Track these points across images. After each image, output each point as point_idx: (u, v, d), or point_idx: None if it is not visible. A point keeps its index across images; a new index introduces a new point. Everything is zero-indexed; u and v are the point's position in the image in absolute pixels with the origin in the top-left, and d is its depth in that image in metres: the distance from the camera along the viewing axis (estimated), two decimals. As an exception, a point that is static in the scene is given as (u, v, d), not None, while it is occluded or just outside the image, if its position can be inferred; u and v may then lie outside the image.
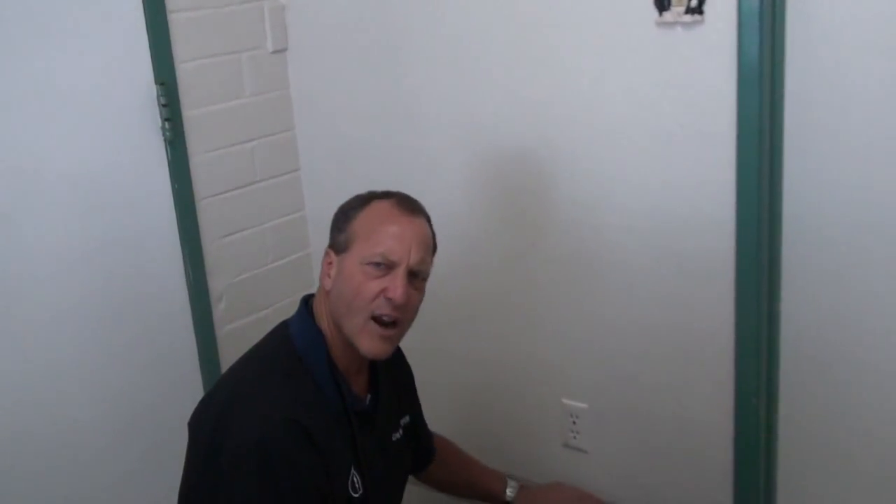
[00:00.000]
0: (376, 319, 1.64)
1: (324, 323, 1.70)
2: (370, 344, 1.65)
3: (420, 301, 1.71)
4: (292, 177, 2.69)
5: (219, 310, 2.51)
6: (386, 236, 1.64)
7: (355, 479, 1.69)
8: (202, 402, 1.71)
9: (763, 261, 2.03)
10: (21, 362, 2.12)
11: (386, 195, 1.73)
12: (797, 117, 1.98)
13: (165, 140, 2.32)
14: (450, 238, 2.45)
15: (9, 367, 2.10)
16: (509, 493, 2.15)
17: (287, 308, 2.64)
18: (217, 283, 2.50)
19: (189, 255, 2.41)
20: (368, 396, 1.77)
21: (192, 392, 2.43)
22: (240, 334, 2.54)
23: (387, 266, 1.63)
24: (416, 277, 1.67)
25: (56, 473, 2.20)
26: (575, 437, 2.43)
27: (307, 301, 1.76)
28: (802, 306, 2.08)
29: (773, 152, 1.99)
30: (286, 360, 1.68)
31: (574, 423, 2.42)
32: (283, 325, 1.76)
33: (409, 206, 1.71)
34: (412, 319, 1.71)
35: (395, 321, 1.65)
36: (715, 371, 2.15)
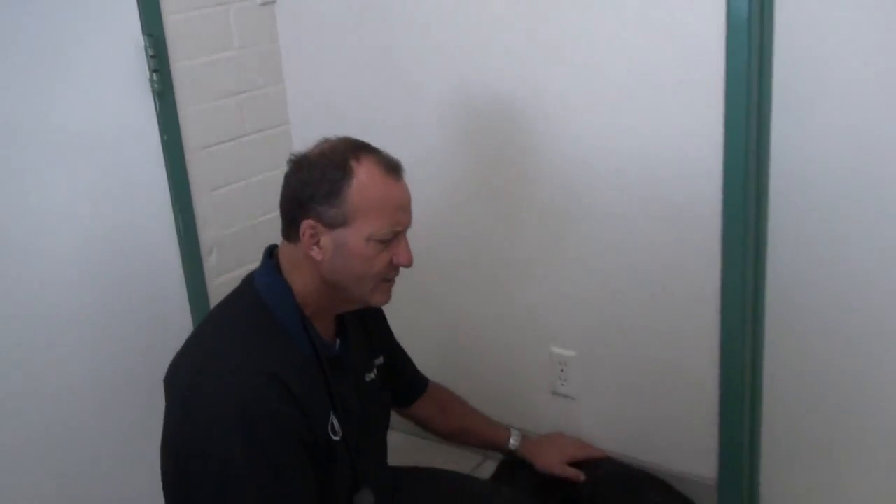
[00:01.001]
0: (385, 281, 1.73)
1: (297, 279, 1.72)
2: (382, 299, 1.75)
3: None
4: (282, 130, 2.70)
5: (210, 262, 2.53)
6: (392, 211, 1.67)
7: (334, 423, 1.73)
8: (175, 360, 1.73)
9: (749, 208, 2.06)
10: (10, 316, 2.13)
11: (357, 152, 1.69)
12: (786, 66, 2.00)
13: (154, 92, 2.32)
14: (437, 188, 2.49)
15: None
16: (513, 441, 2.23)
17: (277, 260, 2.66)
18: (208, 236, 2.52)
19: (180, 207, 2.42)
20: (338, 341, 1.81)
21: (182, 340, 2.46)
22: (231, 287, 2.55)
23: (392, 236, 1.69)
24: None
25: (50, 428, 2.23)
26: (563, 385, 2.47)
27: (271, 252, 1.79)
28: (788, 253, 2.11)
29: (760, 101, 2.02)
30: (257, 314, 1.70)
31: (562, 370, 2.46)
32: (249, 280, 1.78)
33: (394, 168, 1.70)
34: None
35: None
36: (701, 317, 2.20)
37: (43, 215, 2.16)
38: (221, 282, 2.55)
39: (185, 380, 1.66)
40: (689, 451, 2.32)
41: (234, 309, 1.76)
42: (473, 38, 2.31)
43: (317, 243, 1.68)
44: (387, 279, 1.72)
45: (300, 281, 1.71)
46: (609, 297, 2.33)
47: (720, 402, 2.24)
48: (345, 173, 1.65)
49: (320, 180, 1.66)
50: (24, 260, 2.15)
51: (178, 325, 2.48)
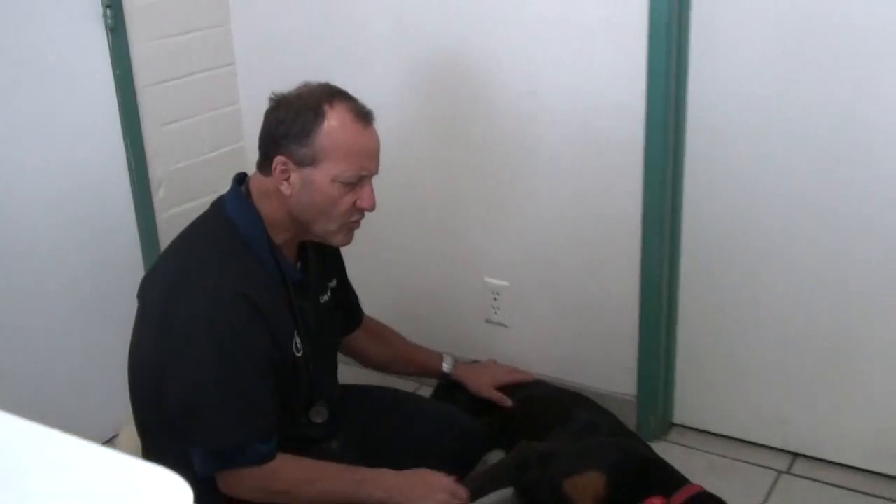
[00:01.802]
0: (350, 222, 1.85)
1: (266, 208, 1.84)
2: (344, 239, 1.89)
3: None
4: (228, 70, 2.79)
5: (159, 196, 2.62)
6: (358, 156, 1.79)
7: (297, 341, 1.88)
8: (149, 275, 1.88)
9: (669, 148, 2.25)
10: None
11: (331, 98, 1.80)
12: (704, 16, 2.17)
13: (107, 27, 2.40)
14: (380, 128, 2.61)
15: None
16: (446, 366, 2.36)
17: (224, 196, 2.76)
18: (157, 170, 2.61)
19: (131, 141, 2.51)
20: (298, 264, 1.95)
21: (133, 272, 2.55)
22: (179, 220, 2.64)
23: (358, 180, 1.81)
24: None
25: (8, 355, 2.31)
26: (496, 313, 2.64)
27: (241, 180, 1.90)
28: (702, 189, 2.31)
29: (680, 37, 2.19)
30: (228, 238, 1.83)
31: (495, 299, 2.63)
32: (220, 204, 1.90)
33: (364, 115, 1.82)
34: None
35: None
36: (624, 248, 2.38)
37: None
38: (170, 215, 2.65)
39: (159, 298, 1.79)
40: (612, 371, 2.52)
41: (205, 231, 1.88)
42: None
43: (287, 179, 1.80)
44: (350, 221, 1.84)
45: (269, 210, 1.84)
46: (539, 230, 2.50)
47: (639, 326, 2.44)
48: (317, 116, 1.77)
49: (294, 120, 1.78)
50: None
51: (129, 257, 2.58)
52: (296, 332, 1.88)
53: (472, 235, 2.61)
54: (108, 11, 2.38)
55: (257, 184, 1.87)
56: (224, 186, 2.76)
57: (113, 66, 2.44)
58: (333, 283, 2.11)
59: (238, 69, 2.81)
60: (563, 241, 2.48)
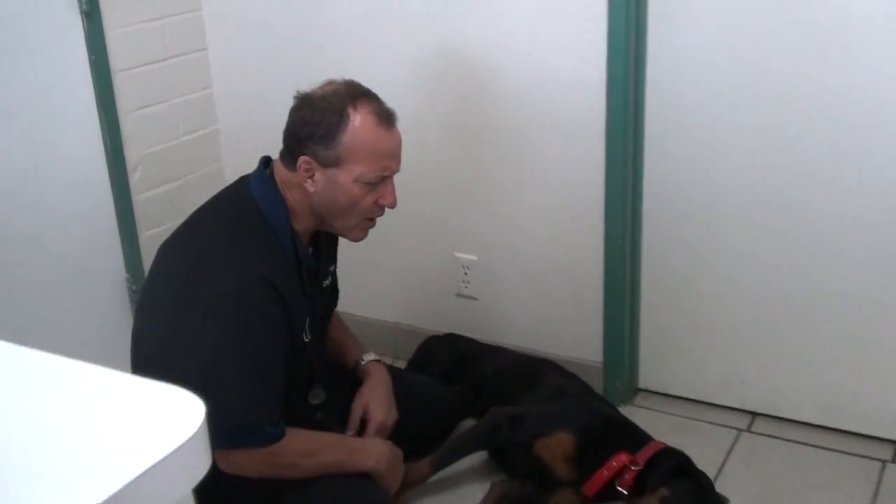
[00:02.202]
0: (368, 219, 1.93)
1: (291, 198, 1.90)
2: (360, 235, 1.97)
3: None
4: (201, 55, 2.85)
5: (135, 178, 2.68)
6: (380, 158, 1.87)
7: (307, 327, 1.95)
8: (172, 241, 1.93)
9: (629, 120, 2.35)
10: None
11: (355, 100, 1.86)
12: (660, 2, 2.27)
13: (82, 12, 2.45)
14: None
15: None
16: (364, 362, 2.26)
17: (199, 180, 2.83)
18: (133, 153, 2.66)
19: (107, 124, 2.56)
20: (311, 249, 2.01)
21: (111, 253, 2.63)
22: (155, 202, 2.72)
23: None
24: None
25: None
26: (466, 287, 2.73)
27: (267, 164, 1.95)
28: (662, 159, 2.41)
29: (638, 20, 2.29)
30: (254, 221, 1.89)
31: (465, 273, 2.72)
32: (244, 185, 1.95)
33: (388, 117, 1.89)
34: None
35: None
36: (588, 220, 2.48)
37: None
38: (146, 197, 2.71)
39: (183, 268, 1.85)
40: (579, 340, 2.61)
41: (230, 208, 1.94)
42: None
43: (311, 177, 1.87)
44: (369, 218, 1.92)
45: (291, 199, 1.91)
46: (506, 204, 2.59)
47: (604, 295, 2.54)
48: (341, 119, 1.84)
49: (319, 122, 1.85)
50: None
51: (107, 238, 2.64)
52: (308, 319, 1.94)
53: (441, 212, 2.69)
54: (83, -2, 2.43)
55: (281, 173, 1.92)
56: (198, 170, 2.86)
57: (88, 50, 2.49)
58: (333, 267, 2.17)
59: (210, 54, 2.87)
60: (529, 214, 2.57)
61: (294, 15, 2.69)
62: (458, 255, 2.71)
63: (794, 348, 2.43)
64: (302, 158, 1.86)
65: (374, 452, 2.02)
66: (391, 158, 1.90)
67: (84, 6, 2.44)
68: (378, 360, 2.27)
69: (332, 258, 2.17)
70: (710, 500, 2.15)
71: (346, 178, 1.85)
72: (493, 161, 2.56)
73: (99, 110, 2.55)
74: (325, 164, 1.85)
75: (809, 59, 2.17)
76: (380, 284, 2.83)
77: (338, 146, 1.84)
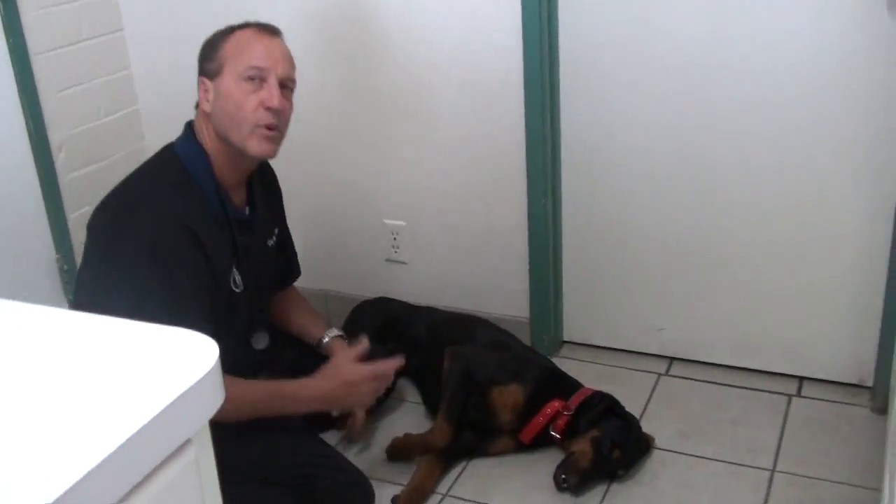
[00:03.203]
0: (261, 128, 1.93)
1: (206, 142, 1.97)
2: (258, 146, 1.94)
3: (291, 110, 2.01)
4: (118, 36, 2.85)
5: (60, 159, 2.68)
6: (254, 52, 1.94)
7: (236, 277, 2.01)
8: (98, 207, 1.96)
9: (545, 84, 2.46)
10: None
11: (246, 24, 1.99)
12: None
13: (-3, -4, 2.44)
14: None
15: None
16: (325, 338, 2.31)
17: (124, 159, 2.83)
18: (56, 135, 2.66)
19: (28, 107, 2.56)
20: (248, 209, 2.07)
21: (40, 236, 2.63)
22: (81, 183, 2.73)
23: (260, 79, 1.92)
24: (286, 89, 1.98)
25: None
26: (396, 252, 2.82)
27: (190, 125, 2.02)
28: (577, 118, 2.54)
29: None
30: (174, 172, 1.95)
31: (395, 239, 2.81)
32: (169, 146, 2.02)
33: (269, 29, 2.00)
34: (287, 125, 2.00)
35: (276, 126, 1.95)
36: (510, 182, 2.60)
37: None
38: (72, 178, 2.72)
39: (105, 225, 1.90)
40: (506, 297, 2.74)
41: (152, 167, 2.00)
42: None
43: (207, 98, 1.95)
44: (260, 125, 1.92)
45: (209, 142, 1.97)
46: (431, 170, 2.69)
47: (529, 253, 2.66)
48: (225, 34, 1.97)
49: (208, 43, 1.97)
50: None
51: (34, 220, 2.64)
52: (234, 268, 2.00)
53: (368, 181, 2.77)
54: (-1, -20, 2.42)
55: (196, 120, 2.00)
56: (122, 149, 2.88)
57: (6, 34, 2.48)
58: (278, 231, 2.24)
59: (126, 34, 2.88)
60: (453, 179, 2.67)
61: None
62: (386, 221, 2.80)
63: (707, 296, 2.60)
64: (199, 81, 1.97)
65: (315, 394, 2.07)
66: (269, 55, 1.95)
67: (0, -11, 2.43)
68: (341, 336, 2.33)
69: (275, 219, 2.24)
70: (637, 437, 2.31)
71: (229, 82, 1.92)
72: (415, 127, 2.65)
73: (20, 94, 2.55)
74: (212, 75, 1.95)
75: (710, 9, 2.31)
76: (311, 253, 2.89)
77: (219, 53, 1.95)
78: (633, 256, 2.63)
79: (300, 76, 2.47)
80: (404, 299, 2.78)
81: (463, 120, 2.58)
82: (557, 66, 2.49)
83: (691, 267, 2.58)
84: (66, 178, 2.70)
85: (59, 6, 2.64)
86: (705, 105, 2.40)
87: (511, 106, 2.49)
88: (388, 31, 2.57)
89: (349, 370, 2.10)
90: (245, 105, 1.91)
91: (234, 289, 2.00)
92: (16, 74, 2.53)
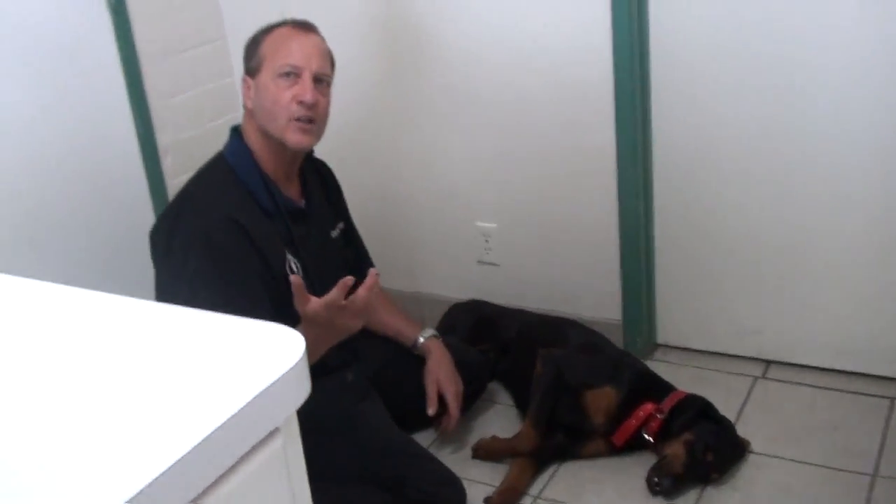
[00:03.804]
0: (296, 121, 2.03)
1: (251, 139, 2.09)
2: (295, 137, 2.04)
3: (328, 104, 2.09)
4: (220, 45, 2.96)
5: (167, 163, 2.80)
6: (289, 50, 2.04)
7: (293, 264, 2.09)
8: (158, 219, 2.12)
9: (636, 84, 2.45)
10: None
11: (283, 22, 2.10)
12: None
13: (110, 8, 2.56)
14: (363, 84, 2.79)
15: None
16: (421, 338, 2.39)
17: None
18: (164, 140, 2.78)
19: (137, 112, 2.68)
20: (303, 202, 2.16)
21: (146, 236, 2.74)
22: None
23: (295, 75, 2.02)
24: (321, 83, 2.07)
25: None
26: (488, 253, 2.85)
27: (236, 129, 2.15)
28: (669, 119, 2.52)
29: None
30: (219, 171, 2.09)
31: (487, 241, 2.83)
32: (219, 152, 2.16)
33: (304, 25, 2.10)
34: (325, 118, 2.09)
35: (311, 119, 2.04)
36: (601, 182, 2.59)
37: (14, 119, 2.40)
38: (178, 181, 2.80)
39: (165, 228, 2.04)
40: (598, 299, 2.73)
41: (203, 173, 2.13)
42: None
43: (250, 96, 2.06)
44: (295, 118, 2.02)
45: (254, 139, 2.08)
46: (522, 173, 2.70)
47: (620, 254, 2.65)
48: (264, 33, 2.08)
49: (249, 42, 2.10)
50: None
51: (142, 221, 2.74)
52: (289, 254, 2.07)
53: (461, 184, 2.81)
54: (111, -7, 2.55)
55: (243, 120, 2.12)
56: (226, 152, 2.97)
57: (117, 43, 2.61)
58: (342, 226, 2.31)
59: (230, 43, 2.98)
60: (544, 181, 2.68)
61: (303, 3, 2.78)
62: (478, 224, 2.83)
63: (804, 296, 2.54)
64: (242, 79, 2.09)
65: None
66: (301, 52, 2.04)
67: (112, 2, 2.55)
68: (435, 336, 2.41)
69: (337, 212, 2.31)
70: (732, 441, 2.28)
71: (266, 79, 2.04)
72: (507, 131, 2.67)
73: (130, 100, 2.67)
74: (253, 72, 2.07)
75: (803, 15, 2.27)
76: (405, 256, 2.95)
77: (258, 52, 2.06)
78: (727, 257, 2.59)
79: (387, 79, 2.53)
80: (496, 301, 2.80)
81: (553, 122, 2.59)
82: (648, 63, 2.47)
83: (788, 267, 2.53)
84: (173, 181, 2.81)
85: (167, 15, 2.76)
86: (801, 101, 2.35)
87: (601, 106, 2.49)
88: (479, 35, 2.60)
89: (308, 312, 1.84)
90: (280, 99, 2.02)
91: (290, 273, 2.06)
92: (127, 80, 2.65)
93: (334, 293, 1.82)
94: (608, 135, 2.52)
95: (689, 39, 2.41)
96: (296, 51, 2.04)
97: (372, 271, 1.89)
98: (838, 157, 2.36)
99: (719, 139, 2.47)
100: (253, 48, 2.09)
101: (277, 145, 2.06)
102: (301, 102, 2.01)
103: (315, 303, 1.82)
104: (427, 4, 2.64)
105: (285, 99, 2.01)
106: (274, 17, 2.84)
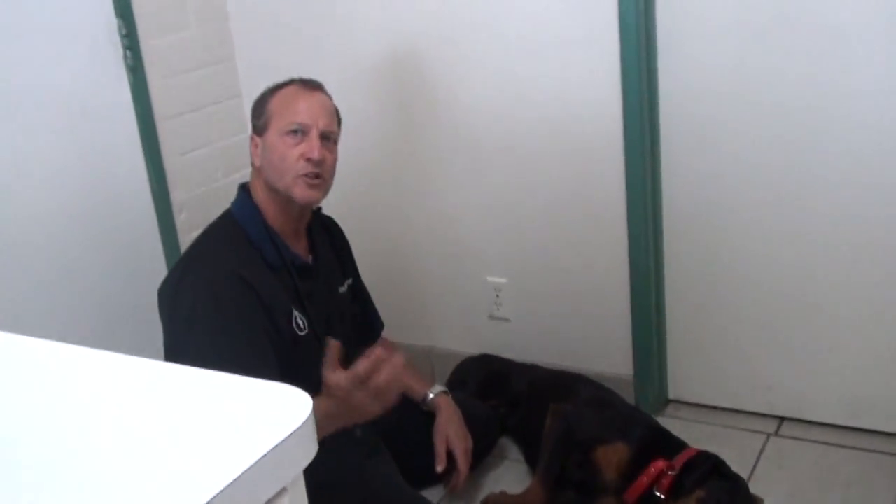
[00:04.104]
0: (304, 177, 2.06)
1: (259, 196, 2.12)
2: (302, 192, 2.07)
3: (335, 160, 2.13)
4: (235, 102, 3.01)
5: (181, 219, 2.83)
6: (296, 109, 2.08)
7: (299, 320, 2.09)
8: (165, 279, 2.12)
9: (646, 137, 2.48)
10: (2, 264, 2.39)
11: (290, 81, 2.14)
12: (667, 22, 2.41)
13: (127, 67, 2.62)
14: (375, 137, 2.82)
15: None
16: (431, 394, 2.41)
17: (239, 218, 2.97)
18: (178, 195, 2.82)
19: (152, 169, 2.72)
20: (311, 257, 2.18)
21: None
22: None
23: (302, 132, 2.06)
24: (328, 140, 2.11)
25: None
26: (499, 309, 2.85)
27: (244, 186, 2.19)
28: (679, 177, 2.53)
29: (648, 52, 2.43)
30: (227, 227, 2.13)
31: (497, 296, 2.84)
32: (227, 210, 2.19)
33: (310, 84, 2.14)
34: (332, 175, 2.13)
35: (318, 175, 2.08)
36: (612, 238, 2.61)
37: (33, 175, 2.45)
38: (191, 237, 2.81)
39: (171, 287, 2.06)
40: (609, 354, 2.73)
41: (211, 229, 2.17)
42: (405, 1, 2.67)
43: (257, 154, 2.10)
44: (303, 174, 2.05)
45: (261, 195, 2.11)
46: (533, 228, 2.72)
47: (631, 309, 2.65)
48: (271, 92, 2.12)
49: (256, 102, 2.15)
50: (15, 218, 2.42)
51: (156, 276, 2.76)
52: (295, 311, 2.08)
53: (472, 239, 2.82)
54: (129, 53, 2.60)
55: (250, 178, 2.16)
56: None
57: (134, 102, 2.66)
58: (350, 282, 2.33)
59: (245, 100, 3.02)
60: (555, 236, 2.69)
61: (316, 52, 2.82)
62: (489, 279, 2.84)
63: (817, 352, 2.53)
64: (250, 138, 2.13)
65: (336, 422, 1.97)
66: (310, 111, 2.08)
67: (129, 62, 2.60)
68: (445, 392, 2.41)
69: (345, 269, 2.33)
70: (745, 499, 2.25)
71: (274, 136, 2.07)
72: (518, 187, 2.69)
73: (145, 156, 2.71)
74: (261, 131, 2.10)
75: (812, 64, 2.29)
76: (416, 310, 2.96)
77: (265, 111, 2.10)
78: (739, 311, 2.59)
79: (399, 133, 2.56)
80: (507, 356, 2.80)
81: (564, 178, 2.61)
82: (657, 116, 2.50)
83: (801, 321, 2.52)
84: (187, 237, 2.83)
85: (183, 74, 2.81)
86: (813, 151, 2.37)
87: (611, 160, 2.51)
88: (486, 89, 2.63)
89: (330, 381, 1.86)
90: (288, 156, 2.05)
91: (297, 332, 2.08)
92: (142, 138, 2.70)
93: (363, 367, 1.81)
94: (618, 189, 2.54)
95: (698, 91, 2.44)
96: (303, 109, 2.08)
97: (398, 360, 1.86)
98: (852, 208, 2.37)
99: (729, 192, 2.49)
100: (260, 107, 2.13)
101: (285, 201, 2.09)
102: (309, 159, 2.04)
103: (340, 374, 1.82)
104: (437, 59, 2.68)
105: (293, 156, 2.05)
106: (288, 74, 2.91)
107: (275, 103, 2.10)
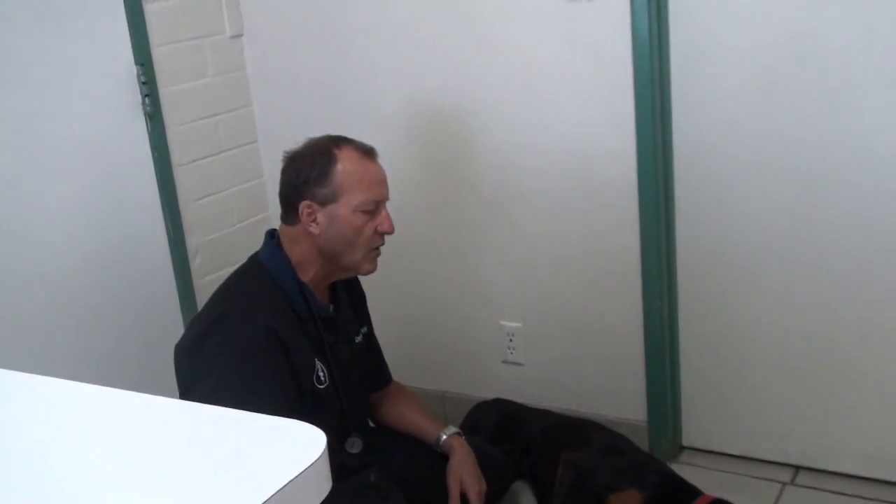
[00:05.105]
0: (374, 250, 2.07)
1: (295, 251, 2.07)
2: (370, 266, 2.11)
3: None
4: (251, 147, 3.05)
5: (195, 263, 2.85)
6: (371, 186, 2.05)
7: (320, 372, 2.08)
8: (186, 329, 2.12)
9: (660, 186, 2.49)
10: (22, 307, 2.43)
11: (337, 142, 2.08)
12: (682, 69, 2.44)
13: (146, 114, 2.66)
14: (393, 185, 2.83)
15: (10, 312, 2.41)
16: (444, 435, 2.34)
17: (253, 262, 2.99)
18: (193, 240, 2.84)
19: (169, 214, 2.75)
20: (331, 307, 2.18)
21: (175, 335, 2.76)
22: (214, 286, 2.86)
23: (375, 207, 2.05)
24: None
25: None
26: (512, 353, 2.85)
27: (272, 234, 2.15)
28: (693, 220, 2.54)
29: (663, 97, 2.45)
30: (257, 277, 2.08)
31: (511, 340, 2.84)
32: (254, 256, 2.16)
33: (369, 151, 2.10)
34: None
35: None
36: (626, 284, 2.61)
37: (51, 220, 2.49)
38: (206, 281, 2.87)
39: (191, 341, 2.02)
40: (623, 400, 2.72)
41: (240, 278, 2.13)
42: (423, 55, 2.71)
43: (314, 220, 2.04)
44: (374, 247, 2.07)
45: (298, 253, 2.07)
46: (547, 273, 2.73)
47: (645, 355, 2.65)
48: (330, 158, 2.04)
49: (311, 166, 2.04)
50: (32, 263, 2.45)
51: (170, 320, 2.79)
52: (319, 364, 2.08)
53: (485, 283, 2.83)
54: (147, 100, 2.64)
55: (285, 233, 2.11)
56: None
57: (152, 148, 2.70)
58: (365, 330, 2.33)
59: (261, 146, 3.07)
60: (569, 281, 2.70)
61: (336, 109, 2.86)
62: (502, 323, 2.84)
63: (835, 401, 2.51)
64: (303, 204, 2.03)
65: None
66: (381, 185, 2.08)
67: (148, 108, 2.65)
68: (458, 433, 2.37)
69: (360, 318, 2.32)
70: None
71: (346, 210, 2.02)
72: (532, 231, 2.70)
73: (162, 202, 2.74)
74: (324, 202, 2.03)
75: (827, 121, 2.31)
76: (429, 354, 2.96)
77: (331, 182, 2.02)
78: (754, 358, 2.58)
79: (416, 181, 2.58)
80: (521, 401, 2.78)
81: (578, 223, 2.63)
82: (672, 165, 2.51)
83: (817, 369, 2.51)
84: (201, 281, 2.86)
85: (201, 121, 2.85)
86: (825, 206, 2.37)
87: (625, 207, 2.53)
88: (500, 138, 2.66)
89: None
90: (365, 232, 2.04)
91: (317, 385, 2.07)
92: (159, 184, 2.73)
93: None
94: (632, 235, 2.55)
95: (711, 141, 2.46)
96: (375, 185, 2.06)
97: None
98: (870, 260, 2.37)
99: (744, 239, 2.49)
100: (322, 176, 2.02)
101: (332, 264, 2.08)
102: (383, 233, 2.07)
103: None
104: (455, 111, 2.70)
105: (368, 231, 2.04)
106: (307, 124, 2.92)
107: (344, 175, 2.03)
